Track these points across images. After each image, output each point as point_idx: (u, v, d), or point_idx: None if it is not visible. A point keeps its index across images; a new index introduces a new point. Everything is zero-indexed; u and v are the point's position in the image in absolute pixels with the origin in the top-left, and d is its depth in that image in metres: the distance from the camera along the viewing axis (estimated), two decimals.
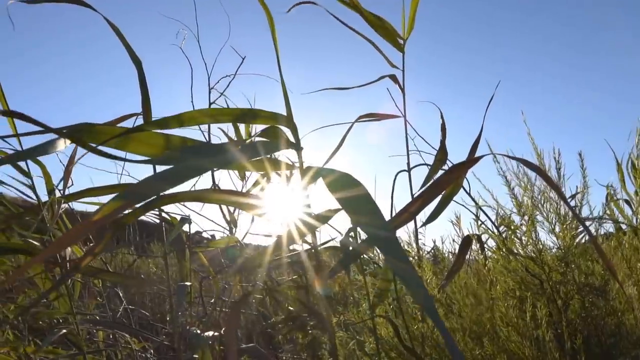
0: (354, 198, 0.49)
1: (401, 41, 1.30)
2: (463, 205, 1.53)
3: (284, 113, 0.74)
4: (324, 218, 0.81)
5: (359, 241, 1.12)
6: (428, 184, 0.91)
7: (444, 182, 0.72)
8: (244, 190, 1.33)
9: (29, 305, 0.96)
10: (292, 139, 0.76)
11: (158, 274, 2.87)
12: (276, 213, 0.69)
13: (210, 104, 1.26)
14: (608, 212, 1.71)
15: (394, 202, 1.22)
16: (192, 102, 1.20)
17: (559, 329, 1.30)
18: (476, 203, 1.38)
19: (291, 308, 1.35)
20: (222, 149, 0.60)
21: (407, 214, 0.69)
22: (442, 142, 1.06)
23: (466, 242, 1.12)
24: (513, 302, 1.12)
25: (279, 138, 0.74)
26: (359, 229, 1.34)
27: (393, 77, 1.17)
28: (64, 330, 0.89)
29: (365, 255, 1.52)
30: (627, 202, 1.79)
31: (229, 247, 1.12)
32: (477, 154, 1.20)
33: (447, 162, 1.25)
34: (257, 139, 0.70)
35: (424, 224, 1.22)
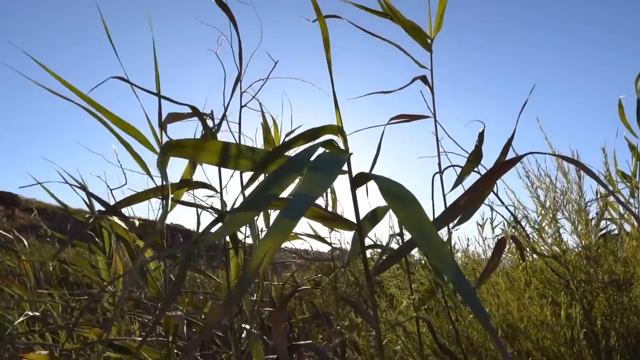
0: (404, 204, 0.55)
1: (428, 40, 1.31)
2: (489, 206, 1.55)
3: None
4: (375, 219, 0.83)
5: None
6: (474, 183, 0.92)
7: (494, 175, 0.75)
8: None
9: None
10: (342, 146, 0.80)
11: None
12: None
13: (241, 107, 1.27)
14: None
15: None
16: (224, 105, 1.21)
17: (586, 327, 1.32)
18: (503, 204, 1.40)
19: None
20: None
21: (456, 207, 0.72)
22: (479, 147, 1.08)
23: (501, 243, 1.13)
24: (547, 301, 1.14)
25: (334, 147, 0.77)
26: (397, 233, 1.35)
27: (424, 79, 1.19)
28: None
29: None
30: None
31: None
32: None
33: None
34: (320, 149, 0.74)
35: (456, 225, 1.23)
